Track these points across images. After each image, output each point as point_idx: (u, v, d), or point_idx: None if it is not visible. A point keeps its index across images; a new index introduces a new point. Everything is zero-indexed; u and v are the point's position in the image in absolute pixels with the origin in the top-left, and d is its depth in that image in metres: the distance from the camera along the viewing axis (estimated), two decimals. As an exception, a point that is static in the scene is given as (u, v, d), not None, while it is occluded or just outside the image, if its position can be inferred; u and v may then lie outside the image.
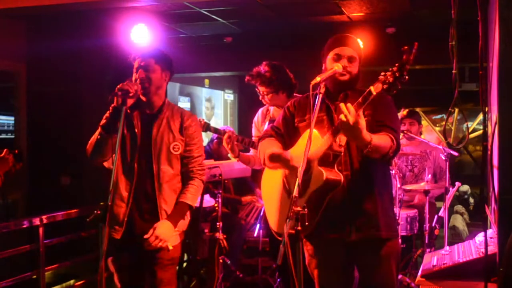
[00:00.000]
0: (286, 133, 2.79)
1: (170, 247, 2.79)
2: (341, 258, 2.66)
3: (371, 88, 2.28)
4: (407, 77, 2.21)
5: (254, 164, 3.85)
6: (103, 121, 2.80)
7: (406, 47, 2.24)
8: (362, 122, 2.27)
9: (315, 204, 2.52)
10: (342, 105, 2.27)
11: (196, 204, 4.47)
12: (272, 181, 2.80)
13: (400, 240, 2.84)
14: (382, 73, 2.25)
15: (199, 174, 2.96)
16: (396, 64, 2.23)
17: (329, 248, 2.65)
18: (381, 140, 2.43)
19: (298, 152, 2.59)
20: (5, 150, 3.05)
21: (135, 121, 2.88)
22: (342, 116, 2.26)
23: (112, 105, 2.72)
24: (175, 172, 2.91)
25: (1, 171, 3.10)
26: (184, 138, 2.90)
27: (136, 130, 2.87)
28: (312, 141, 2.50)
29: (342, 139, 2.48)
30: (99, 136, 2.79)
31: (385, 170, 2.73)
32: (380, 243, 2.60)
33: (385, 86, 2.24)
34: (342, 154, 2.49)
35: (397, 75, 2.21)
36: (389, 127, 2.54)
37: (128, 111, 2.87)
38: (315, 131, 2.55)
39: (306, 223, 2.30)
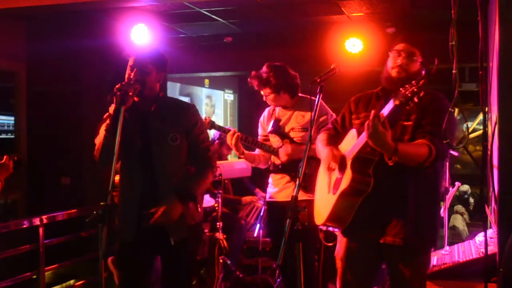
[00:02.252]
0: (343, 128, 2.78)
1: None
2: (370, 257, 2.65)
3: (392, 100, 2.26)
4: (422, 93, 2.20)
5: (259, 162, 3.85)
6: (106, 125, 2.78)
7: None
8: (383, 130, 2.25)
9: (347, 204, 2.52)
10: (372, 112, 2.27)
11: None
12: (323, 175, 2.80)
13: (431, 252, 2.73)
14: (407, 86, 2.22)
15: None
16: (417, 78, 2.21)
17: (360, 245, 2.64)
18: (413, 148, 2.38)
19: (343, 150, 2.62)
20: (5, 156, 3.11)
21: (130, 120, 2.86)
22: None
23: (112, 106, 2.71)
24: (177, 162, 2.89)
25: (1, 177, 3.24)
26: (183, 129, 2.88)
27: (133, 129, 2.86)
28: (352, 140, 2.53)
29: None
30: (106, 141, 2.76)
31: (430, 178, 2.59)
32: (407, 251, 2.53)
33: (402, 99, 2.21)
34: (377, 158, 2.45)
35: (415, 89, 2.19)
36: (432, 134, 2.44)
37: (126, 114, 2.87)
38: (354, 130, 2.58)
39: (306, 223, 2.31)
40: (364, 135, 2.38)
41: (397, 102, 2.24)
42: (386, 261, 2.67)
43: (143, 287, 2.92)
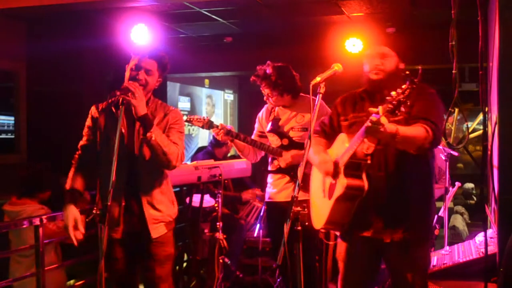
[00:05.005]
0: (332, 130, 2.81)
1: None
2: (370, 256, 2.68)
3: (380, 108, 2.27)
4: (409, 102, 2.23)
5: (248, 154, 3.86)
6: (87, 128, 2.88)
7: (408, 72, 2.25)
8: (384, 120, 2.26)
9: (344, 208, 2.55)
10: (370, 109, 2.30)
11: (196, 204, 4.51)
12: (317, 178, 2.83)
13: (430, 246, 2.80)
14: (392, 93, 2.24)
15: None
16: (402, 87, 2.22)
17: (360, 246, 2.66)
18: (411, 130, 2.42)
19: (332, 155, 2.65)
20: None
21: (121, 121, 2.83)
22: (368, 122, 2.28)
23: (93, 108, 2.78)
24: (159, 169, 2.90)
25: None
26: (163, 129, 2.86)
27: (122, 129, 2.82)
28: (342, 144, 2.57)
29: (368, 147, 2.47)
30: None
31: (424, 173, 2.63)
32: (409, 246, 2.57)
33: (389, 107, 2.23)
34: (369, 162, 2.49)
35: (401, 99, 2.22)
36: (425, 118, 2.47)
37: (113, 109, 2.88)
38: (344, 135, 2.61)
39: (306, 223, 2.32)
40: (355, 138, 2.43)
41: (385, 111, 2.24)
42: (385, 260, 2.70)
43: (133, 284, 2.94)
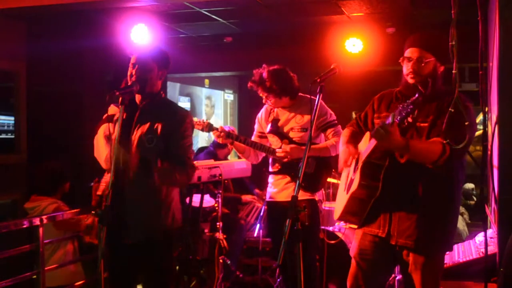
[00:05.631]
0: (365, 126, 2.82)
1: None
2: (382, 256, 2.67)
3: (391, 115, 2.29)
4: (416, 111, 2.26)
5: (249, 156, 3.87)
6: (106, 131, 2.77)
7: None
8: (387, 135, 2.28)
9: (358, 204, 2.60)
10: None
11: (196, 204, 4.51)
12: (344, 171, 2.85)
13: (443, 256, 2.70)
14: (402, 105, 2.25)
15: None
16: (411, 99, 2.24)
17: (373, 243, 2.66)
18: (425, 145, 2.42)
19: (360, 150, 2.68)
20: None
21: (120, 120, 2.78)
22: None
23: (113, 107, 2.71)
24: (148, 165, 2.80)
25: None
26: (165, 134, 2.80)
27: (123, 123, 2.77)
28: (365, 143, 2.60)
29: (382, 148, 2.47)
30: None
31: (443, 186, 2.56)
32: (419, 254, 2.54)
33: (397, 119, 2.25)
34: (386, 163, 2.49)
35: (409, 110, 2.23)
36: (445, 134, 2.42)
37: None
38: (368, 133, 2.62)
39: (306, 223, 2.32)
40: (373, 140, 2.44)
41: (395, 119, 2.26)
42: (399, 264, 2.70)
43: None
